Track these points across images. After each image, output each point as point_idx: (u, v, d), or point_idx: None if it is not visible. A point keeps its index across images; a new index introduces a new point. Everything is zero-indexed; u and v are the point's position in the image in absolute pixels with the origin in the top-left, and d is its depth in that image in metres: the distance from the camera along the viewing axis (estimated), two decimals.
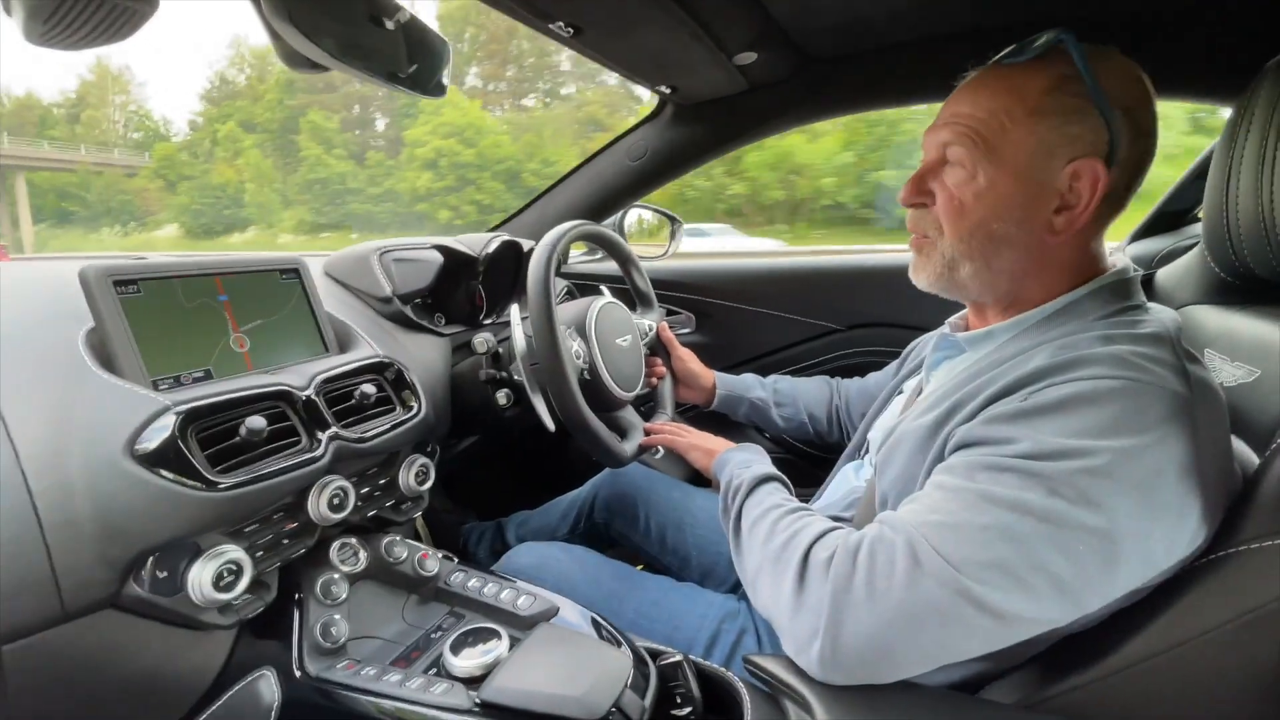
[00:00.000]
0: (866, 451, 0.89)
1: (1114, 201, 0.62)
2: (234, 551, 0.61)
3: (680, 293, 1.61)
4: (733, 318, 1.60)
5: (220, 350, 0.71)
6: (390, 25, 0.65)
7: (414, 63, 0.69)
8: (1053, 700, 0.55)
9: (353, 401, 0.77)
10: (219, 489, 0.60)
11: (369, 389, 0.78)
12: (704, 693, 0.64)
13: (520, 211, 1.57)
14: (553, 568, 0.91)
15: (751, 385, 1.20)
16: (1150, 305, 0.63)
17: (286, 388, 0.70)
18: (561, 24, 0.93)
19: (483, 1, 0.84)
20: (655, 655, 0.68)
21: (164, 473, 0.57)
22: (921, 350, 0.93)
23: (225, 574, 0.60)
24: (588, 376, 0.97)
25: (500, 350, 0.99)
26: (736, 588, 0.98)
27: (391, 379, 0.86)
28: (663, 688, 0.65)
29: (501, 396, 0.98)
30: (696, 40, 1.01)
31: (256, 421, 0.63)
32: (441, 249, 1.10)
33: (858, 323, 1.55)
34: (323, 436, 0.71)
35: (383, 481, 0.84)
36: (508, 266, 1.26)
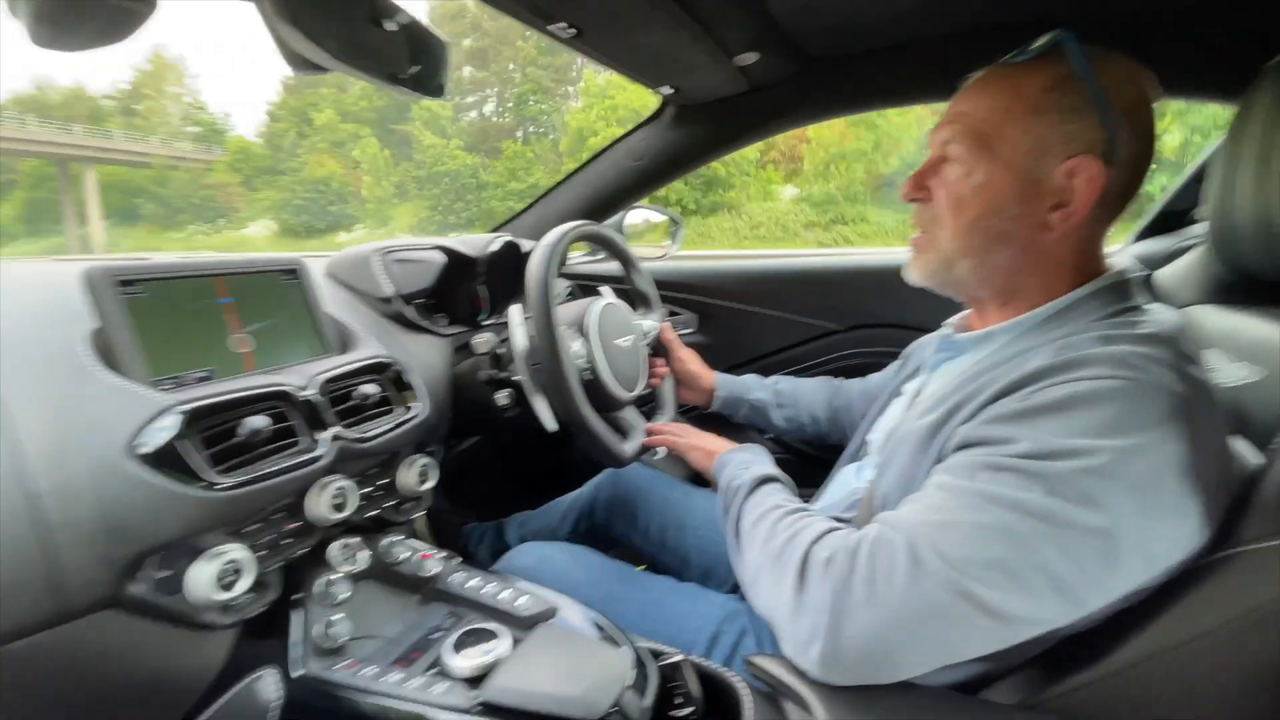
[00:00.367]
0: (867, 453, 0.89)
1: (1112, 202, 0.62)
2: (235, 551, 0.61)
3: (682, 293, 1.61)
4: (734, 318, 1.60)
5: (222, 351, 0.71)
6: (391, 26, 0.65)
7: (415, 64, 0.69)
8: (1054, 701, 0.55)
9: (354, 402, 0.77)
10: (220, 489, 0.60)
11: (370, 389, 0.78)
12: (704, 693, 0.64)
13: (521, 212, 1.57)
14: (553, 568, 0.91)
15: (752, 386, 1.20)
16: (1151, 305, 0.63)
17: (287, 388, 0.70)
18: (563, 25, 0.93)
19: (484, 2, 0.84)
20: (656, 655, 0.67)
21: (165, 472, 0.57)
22: (922, 351, 0.93)
23: (226, 574, 0.60)
24: (589, 377, 0.97)
25: (501, 351, 1.00)
26: (737, 588, 0.98)
27: (392, 379, 0.86)
28: (663, 688, 0.64)
29: (502, 397, 0.98)
30: (697, 41, 1.01)
31: (258, 421, 0.64)
32: (443, 249, 1.10)
33: (859, 323, 1.55)
34: (324, 437, 0.71)
35: (384, 482, 0.84)
36: (509, 267, 1.26)
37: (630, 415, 1.10)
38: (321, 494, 0.71)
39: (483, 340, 0.98)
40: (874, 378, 1.13)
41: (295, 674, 0.65)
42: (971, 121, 0.63)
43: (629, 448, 0.96)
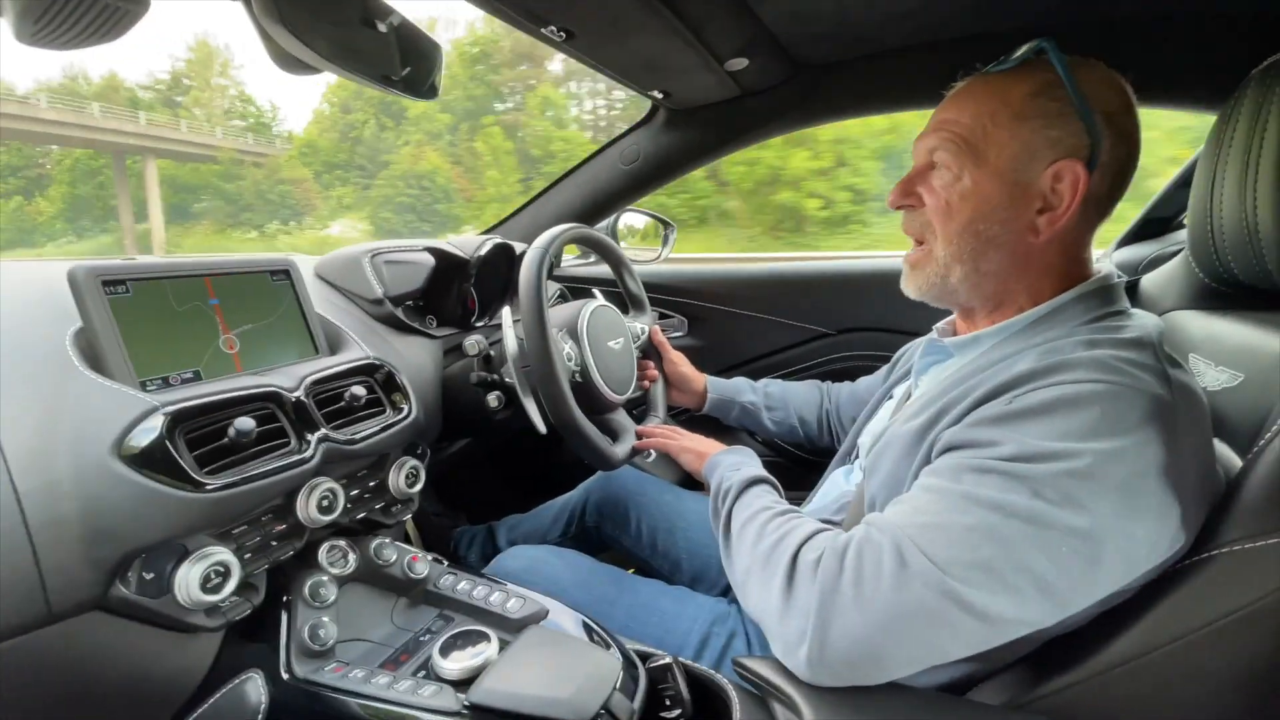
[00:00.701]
0: (857, 456, 0.89)
1: (1097, 206, 0.64)
2: (222, 553, 0.61)
3: (673, 296, 1.62)
4: (725, 322, 1.61)
5: (210, 351, 0.70)
6: (382, 28, 0.65)
7: (407, 65, 0.70)
8: (1039, 701, 0.56)
9: (343, 403, 0.77)
10: (207, 490, 0.59)
11: (359, 391, 0.78)
12: (693, 695, 0.64)
13: (513, 214, 1.57)
14: (543, 571, 0.91)
15: (743, 389, 1.20)
16: (1133, 310, 0.64)
17: (276, 389, 0.70)
18: (554, 29, 0.93)
19: (475, 5, 0.85)
20: (645, 658, 0.68)
21: (151, 474, 0.57)
22: (911, 355, 0.94)
23: (213, 576, 0.60)
24: (579, 379, 0.97)
25: (492, 353, 0.99)
26: (727, 591, 0.98)
27: (382, 381, 0.86)
28: (652, 690, 0.65)
29: (493, 399, 0.98)
30: (688, 46, 1.02)
31: (245, 423, 0.63)
32: (433, 251, 1.10)
33: (848, 327, 1.55)
34: (312, 438, 0.71)
35: (372, 484, 0.83)
36: (500, 269, 1.26)
37: (621, 418, 1.10)
38: (310, 496, 0.70)
39: (473, 342, 0.98)
40: (863, 381, 1.14)
41: (282, 677, 0.65)
42: (958, 128, 0.64)
43: (620, 450, 0.96)
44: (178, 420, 0.60)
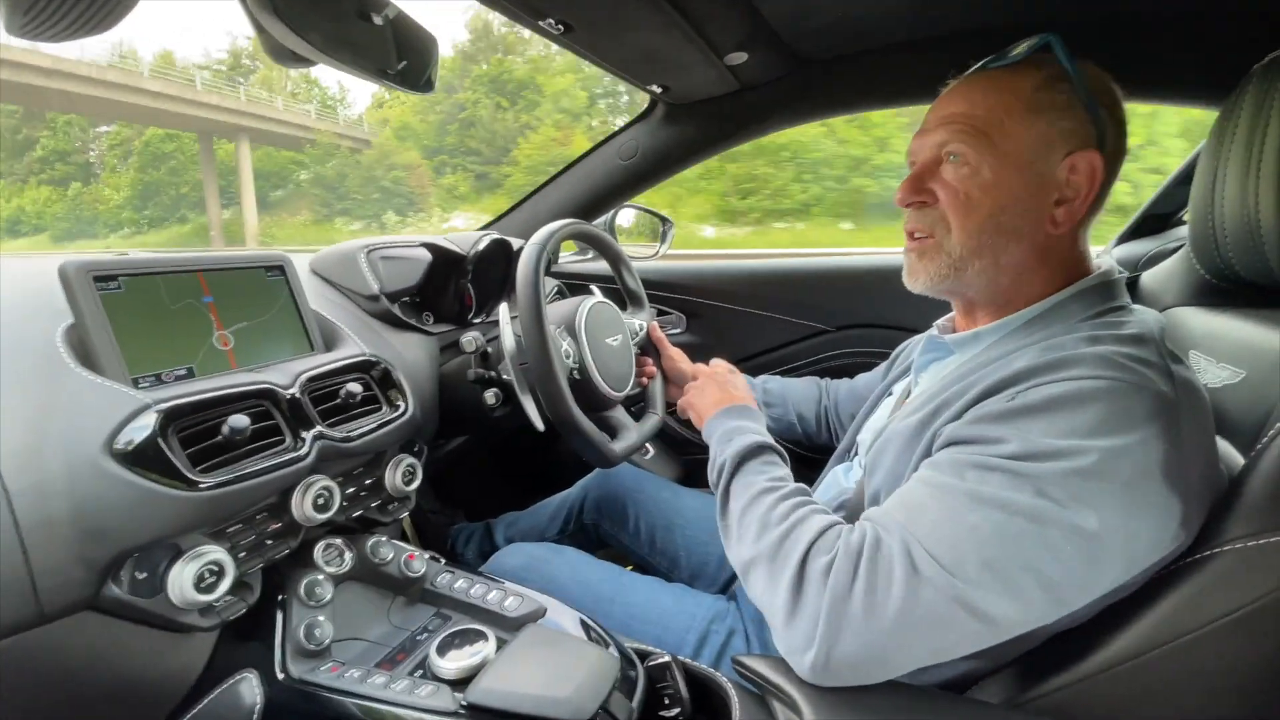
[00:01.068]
0: (856, 454, 0.89)
1: (1102, 197, 0.64)
2: (215, 552, 0.60)
3: (671, 293, 1.61)
4: (723, 318, 1.60)
5: (203, 348, 0.70)
6: (378, 20, 0.64)
7: (403, 59, 0.69)
8: (1039, 699, 0.56)
9: (338, 400, 0.76)
10: (200, 489, 0.59)
11: (355, 388, 0.77)
12: (692, 693, 0.64)
13: (511, 210, 1.56)
14: (541, 569, 0.90)
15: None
16: (1134, 306, 0.64)
17: (270, 386, 0.69)
18: (552, 21, 0.92)
19: None
20: (643, 656, 0.67)
21: (144, 472, 0.56)
22: (910, 352, 0.94)
23: (206, 575, 0.59)
24: (577, 376, 0.96)
25: (489, 349, 0.99)
26: (726, 588, 0.98)
27: (378, 378, 0.85)
28: (651, 689, 0.64)
29: (490, 396, 0.97)
30: (687, 40, 1.01)
31: (239, 420, 0.63)
32: (430, 247, 1.09)
33: (847, 324, 1.55)
34: (307, 436, 0.70)
35: (369, 482, 0.83)
36: (497, 265, 1.25)
37: (619, 415, 1.10)
38: (305, 494, 0.70)
39: (470, 339, 0.97)
40: (862, 378, 1.13)
41: (277, 677, 0.64)
42: (974, 121, 0.63)
43: (618, 447, 0.96)
44: (170, 418, 0.59)
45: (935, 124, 0.66)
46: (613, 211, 1.53)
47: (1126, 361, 0.53)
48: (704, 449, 0.83)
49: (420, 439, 0.92)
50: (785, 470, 0.72)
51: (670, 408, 1.23)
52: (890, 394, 0.88)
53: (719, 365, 1.07)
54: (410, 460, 0.86)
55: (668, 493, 1.13)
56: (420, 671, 0.66)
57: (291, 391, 0.71)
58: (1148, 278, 0.95)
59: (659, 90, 1.27)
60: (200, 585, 0.59)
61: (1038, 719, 0.55)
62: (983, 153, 0.63)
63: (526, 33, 0.97)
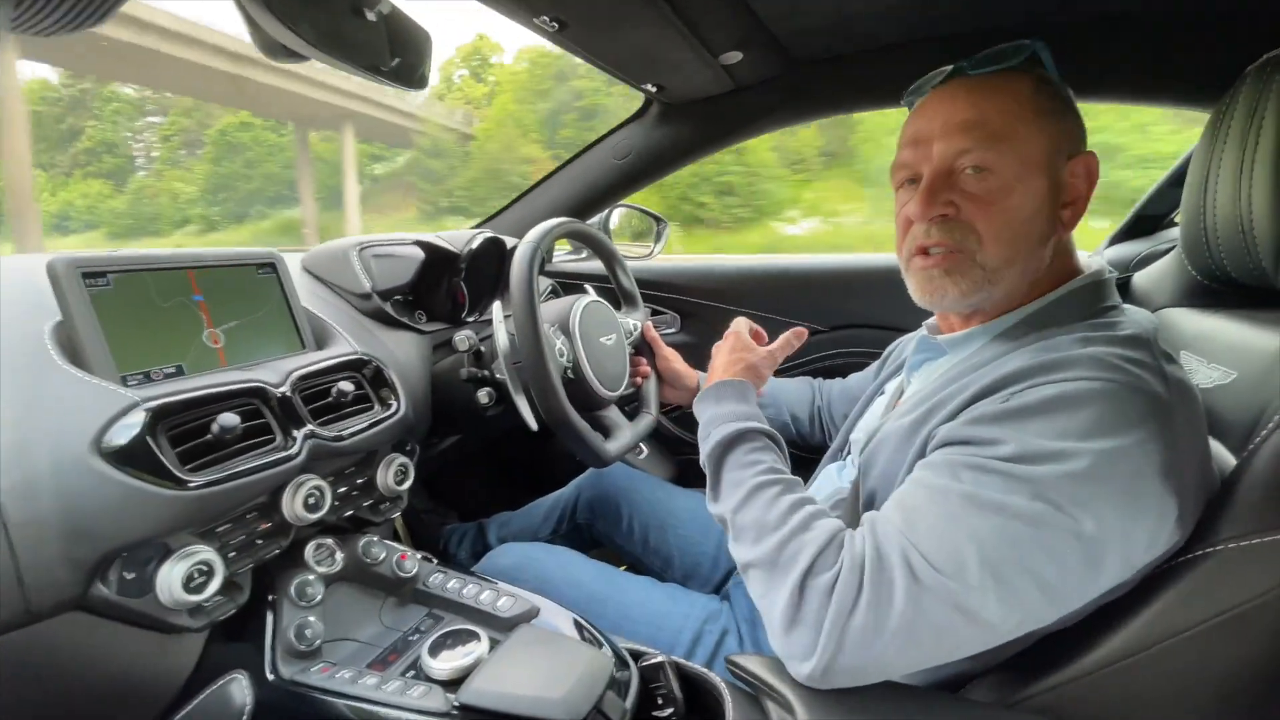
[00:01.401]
0: (848, 453, 0.89)
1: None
2: (205, 552, 0.60)
3: (665, 292, 1.61)
4: (717, 318, 1.60)
5: (193, 346, 0.69)
6: (371, 16, 0.64)
7: (396, 56, 0.68)
8: (1034, 699, 0.56)
9: (330, 399, 0.76)
10: (189, 488, 0.58)
11: (346, 386, 0.77)
12: (686, 693, 0.64)
13: (505, 209, 1.56)
14: (534, 569, 0.90)
15: None
16: (1127, 307, 0.64)
17: (261, 384, 0.68)
18: (546, 18, 0.92)
19: None
20: (637, 656, 0.67)
21: (132, 471, 0.55)
22: (902, 351, 0.94)
23: (196, 575, 0.59)
24: (571, 375, 0.96)
25: (482, 348, 0.98)
26: (719, 588, 0.98)
27: (370, 376, 0.84)
28: (644, 689, 0.64)
29: (483, 395, 0.97)
30: (682, 39, 1.01)
31: (229, 419, 0.62)
32: (423, 245, 1.08)
33: (840, 324, 1.55)
34: (298, 435, 0.69)
35: (360, 481, 0.82)
36: (490, 264, 1.25)
37: (613, 415, 1.10)
38: (296, 493, 0.69)
39: (463, 337, 0.97)
40: (854, 377, 1.14)
41: (268, 677, 0.64)
42: (992, 127, 0.61)
43: (612, 447, 0.95)
44: (159, 416, 0.58)
45: (945, 131, 0.63)
46: (607, 211, 1.53)
47: (1121, 363, 0.53)
48: (697, 449, 0.83)
49: (412, 438, 0.92)
50: (774, 456, 0.70)
51: (664, 407, 1.23)
52: (882, 393, 0.88)
53: (740, 325, 1.01)
54: (402, 460, 0.86)
55: (661, 493, 1.13)
56: (412, 672, 0.66)
57: (282, 390, 0.70)
58: (1139, 279, 0.96)
59: (653, 90, 1.27)
60: (189, 585, 0.58)
61: (1031, 718, 0.56)
62: (1007, 159, 0.61)
63: None
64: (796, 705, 0.53)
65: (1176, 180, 1.18)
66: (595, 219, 1.53)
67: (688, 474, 1.45)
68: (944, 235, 0.64)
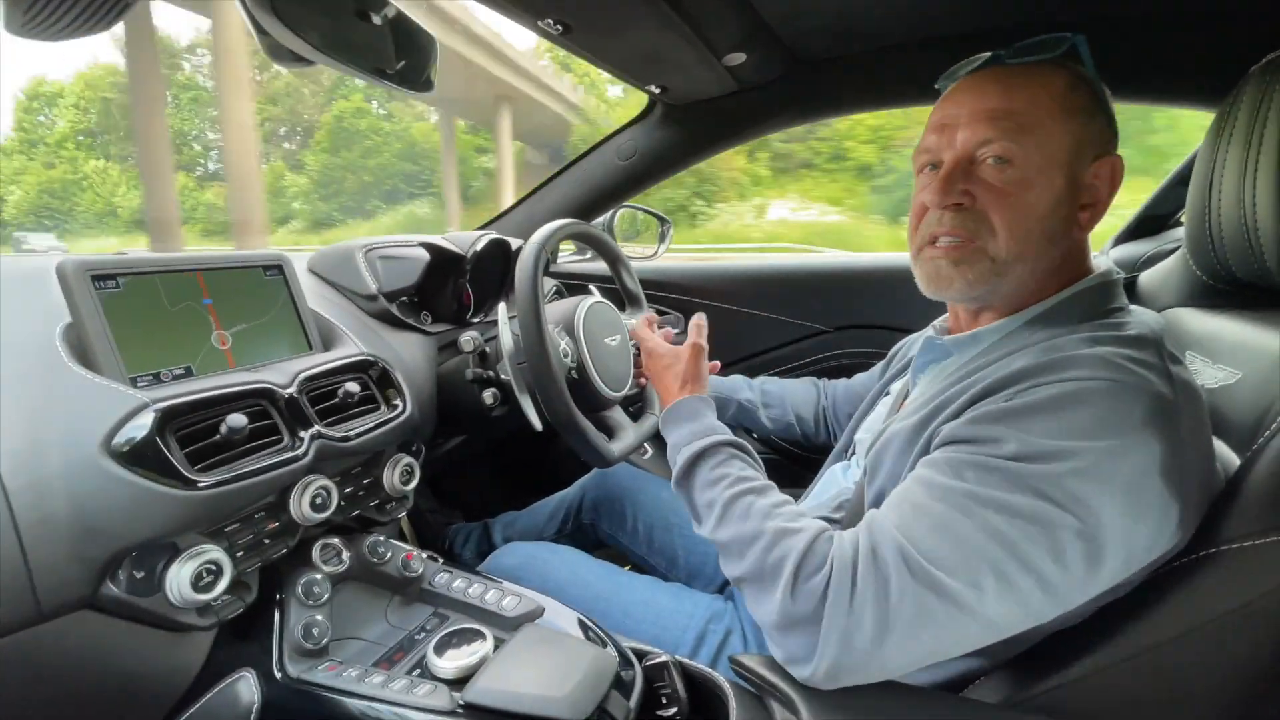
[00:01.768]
0: (853, 453, 0.89)
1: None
2: (213, 552, 0.60)
3: (669, 293, 1.61)
4: (721, 318, 1.60)
5: (202, 348, 0.70)
6: (377, 20, 0.64)
7: (401, 59, 0.69)
8: (1036, 699, 0.56)
9: (336, 400, 0.76)
10: (198, 488, 0.59)
11: (353, 387, 0.77)
12: (690, 693, 0.64)
13: (509, 210, 1.56)
14: (539, 568, 0.90)
15: (739, 386, 1.20)
16: (1134, 308, 0.64)
17: (268, 385, 0.69)
18: (550, 21, 0.92)
19: None
20: (641, 655, 0.67)
21: (142, 471, 0.56)
22: (907, 352, 0.94)
23: (204, 574, 0.59)
24: (575, 376, 0.96)
25: (487, 349, 0.99)
26: (723, 588, 0.98)
27: (376, 377, 0.85)
28: (649, 688, 0.64)
29: (488, 396, 0.97)
30: (686, 40, 1.01)
31: (237, 419, 0.63)
32: (429, 246, 1.09)
33: (844, 324, 1.55)
34: (305, 435, 0.70)
35: (367, 481, 0.83)
36: (495, 265, 1.25)
37: (617, 415, 1.10)
38: (303, 494, 0.70)
39: (469, 338, 0.97)
40: (859, 378, 1.14)
41: (275, 676, 0.64)
42: (1020, 119, 0.61)
43: (616, 447, 0.96)
44: (168, 417, 0.59)
45: (971, 119, 0.63)
46: (611, 212, 1.53)
47: (1126, 363, 0.53)
48: None
49: (418, 439, 0.92)
50: (737, 468, 0.70)
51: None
52: (887, 394, 0.88)
53: (642, 334, 0.99)
54: (408, 460, 0.86)
55: (666, 492, 1.13)
56: (418, 671, 0.66)
57: (289, 391, 0.71)
58: (1145, 279, 0.95)
59: (657, 91, 1.27)
60: (198, 584, 0.59)
61: (1034, 718, 0.56)
62: (1030, 153, 0.60)
63: None
64: (800, 705, 0.54)
65: (1181, 180, 1.17)
66: (599, 220, 1.53)
67: None
68: (957, 224, 0.63)
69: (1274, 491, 0.51)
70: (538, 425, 0.92)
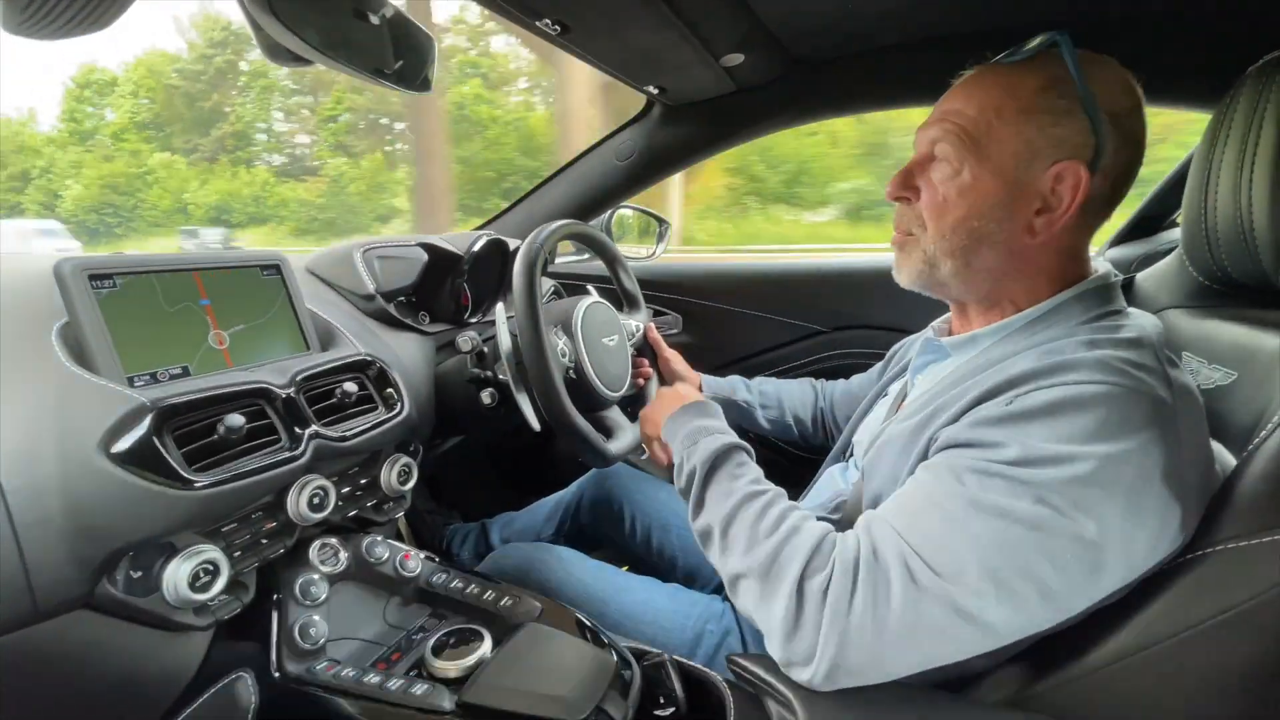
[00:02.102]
0: (851, 454, 0.89)
1: (1096, 208, 0.63)
2: (210, 551, 0.60)
3: (667, 293, 1.61)
4: (719, 319, 1.60)
5: (199, 347, 0.69)
6: (375, 20, 0.64)
7: (399, 58, 0.69)
8: (1035, 699, 0.56)
9: (334, 400, 0.76)
10: (195, 488, 0.59)
11: (350, 387, 0.77)
12: (688, 693, 0.64)
13: (507, 210, 1.56)
14: (537, 569, 0.90)
15: (737, 387, 1.20)
16: (1131, 310, 0.64)
17: (266, 385, 0.69)
18: (548, 21, 0.92)
19: None
20: (639, 656, 0.67)
21: (139, 471, 0.56)
22: (905, 353, 0.94)
23: (201, 574, 0.59)
24: (573, 376, 0.96)
25: (485, 349, 0.99)
26: (721, 589, 0.98)
27: (374, 377, 0.85)
28: (647, 688, 0.64)
29: (486, 396, 0.97)
30: (684, 41, 1.01)
31: (235, 419, 0.62)
32: (426, 246, 1.09)
33: (842, 325, 1.56)
34: (303, 435, 0.70)
35: (364, 481, 0.83)
36: (494, 265, 1.25)
37: (615, 415, 1.10)
38: (300, 493, 0.70)
39: (467, 338, 0.97)
40: (857, 379, 1.14)
41: (273, 675, 0.64)
42: (962, 120, 0.62)
43: (614, 447, 0.96)
44: (166, 417, 0.59)
45: (935, 118, 0.66)
46: (609, 212, 1.53)
47: (1124, 366, 0.53)
48: None
49: (416, 438, 0.92)
50: (759, 471, 0.70)
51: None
52: (886, 395, 0.88)
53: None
54: (406, 460, 0.86)
55: (664, 493, 1.13)
56: (416, 671, 0.66)
57: (287, 391, 0.70)
58: (1141, 280, 0.96)
59: (655, 91, 1.27)
60: (195, 584, 0.59)
61: (1033, 718, 0.56)
62: (965, 155, 0.62)
63: None
64: (797, 705, 0.54)
65: (1177, 181, 1.17)
66: (597, 220, 1.54)
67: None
68: (900, 218, 0.70)
69: (1270, 491, 0.51)
70: (536, 425, 0.92)
